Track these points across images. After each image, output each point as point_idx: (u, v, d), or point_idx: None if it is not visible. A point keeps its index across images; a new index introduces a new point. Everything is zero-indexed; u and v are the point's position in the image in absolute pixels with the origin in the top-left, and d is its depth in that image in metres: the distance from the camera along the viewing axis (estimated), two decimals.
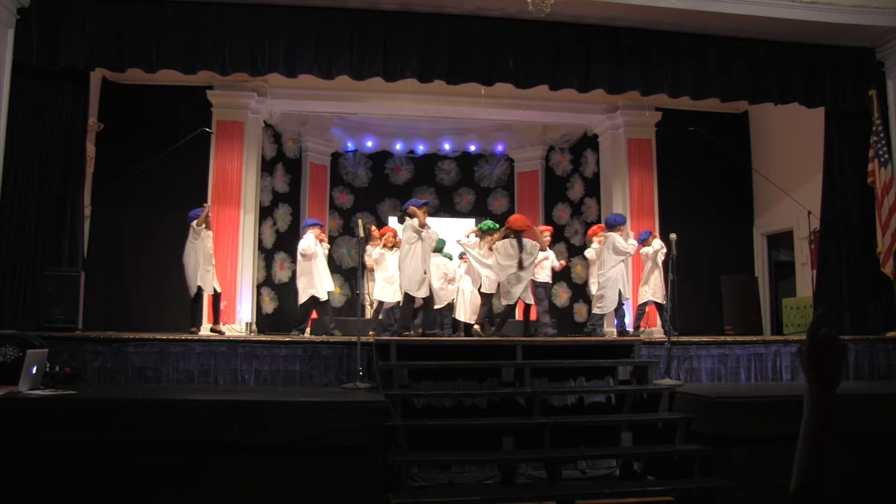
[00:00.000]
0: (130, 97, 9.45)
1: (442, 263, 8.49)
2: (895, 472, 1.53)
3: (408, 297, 7.58)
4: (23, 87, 6.94)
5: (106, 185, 9.06)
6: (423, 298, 7.83)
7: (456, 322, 8.85)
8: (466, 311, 8.84)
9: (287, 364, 6.05)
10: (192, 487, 4.62)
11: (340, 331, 8.06)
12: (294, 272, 9.29)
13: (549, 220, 11.98)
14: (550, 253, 8.82)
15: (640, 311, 8.71)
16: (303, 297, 8.17)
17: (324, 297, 8.18)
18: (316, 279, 8.14)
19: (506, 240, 7.74)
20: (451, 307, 8.74)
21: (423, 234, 7.54)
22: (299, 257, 8.26)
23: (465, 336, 8.54)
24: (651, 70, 7.80)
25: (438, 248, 8.44)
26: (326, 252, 8.56)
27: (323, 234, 8.62)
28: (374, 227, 9.64)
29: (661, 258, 8.47)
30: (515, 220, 7.99)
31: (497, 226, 8.48)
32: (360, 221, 7.05)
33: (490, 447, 5.52)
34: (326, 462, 4.74)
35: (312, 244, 8.20)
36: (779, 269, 10.52)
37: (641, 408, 6.14)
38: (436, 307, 8.21)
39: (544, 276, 8.46)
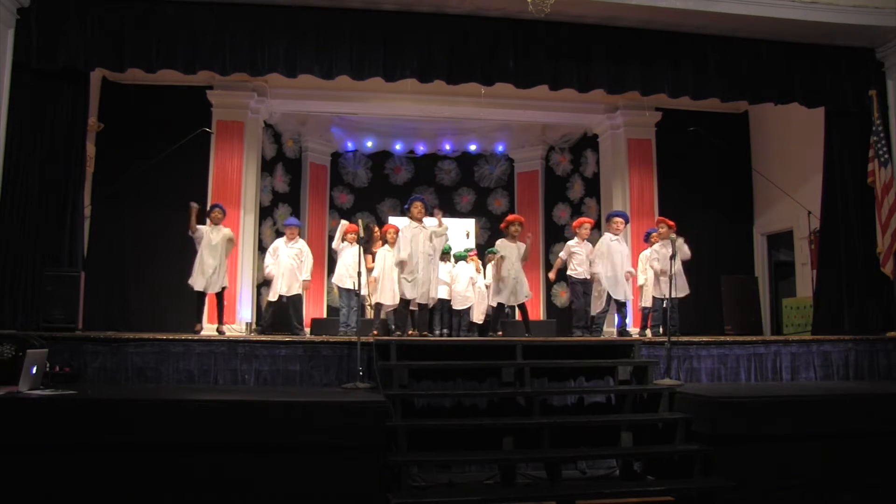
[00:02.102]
0: (130, 97, 9.46)
1: (469, 268, 8.52)
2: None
3: (401, 300, 7.57)
4: (23, 87, 6.93)
5: (106, 185, 9.06)
6: (419, 302, 7.60)
7: (471, 324, 8.89)
8: (475, 312, 8.89)
9: (287, 364, 6.05)
10: (192, 488, 4.62)
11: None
12: None
13: (549, 221, 12.01)
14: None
15: (644, 311, 8.72)
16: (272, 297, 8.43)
17: (273, 297, 8.30)
18: (276, 281, 8.28)
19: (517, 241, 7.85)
20: (470, 310, 8.78)
21: (404, 234, 7.47)
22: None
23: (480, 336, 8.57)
24: (651, 70, 7.80)
25: (459, 257, 8.47)
26: (294, 253, 8.33)
27: (293, 233, 8.44)
28: (376, 229, 9.58)
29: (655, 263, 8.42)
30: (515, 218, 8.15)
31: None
32: (360, 221, 7.03)
33: (490, 447, 5.52)
34: (326, 462, 4.74)
35: (278, 246, 8.40)
36: (779, 269, 10.52)
37: (641, 408, 6.14)
38: (458, 308, 8.22)
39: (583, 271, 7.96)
